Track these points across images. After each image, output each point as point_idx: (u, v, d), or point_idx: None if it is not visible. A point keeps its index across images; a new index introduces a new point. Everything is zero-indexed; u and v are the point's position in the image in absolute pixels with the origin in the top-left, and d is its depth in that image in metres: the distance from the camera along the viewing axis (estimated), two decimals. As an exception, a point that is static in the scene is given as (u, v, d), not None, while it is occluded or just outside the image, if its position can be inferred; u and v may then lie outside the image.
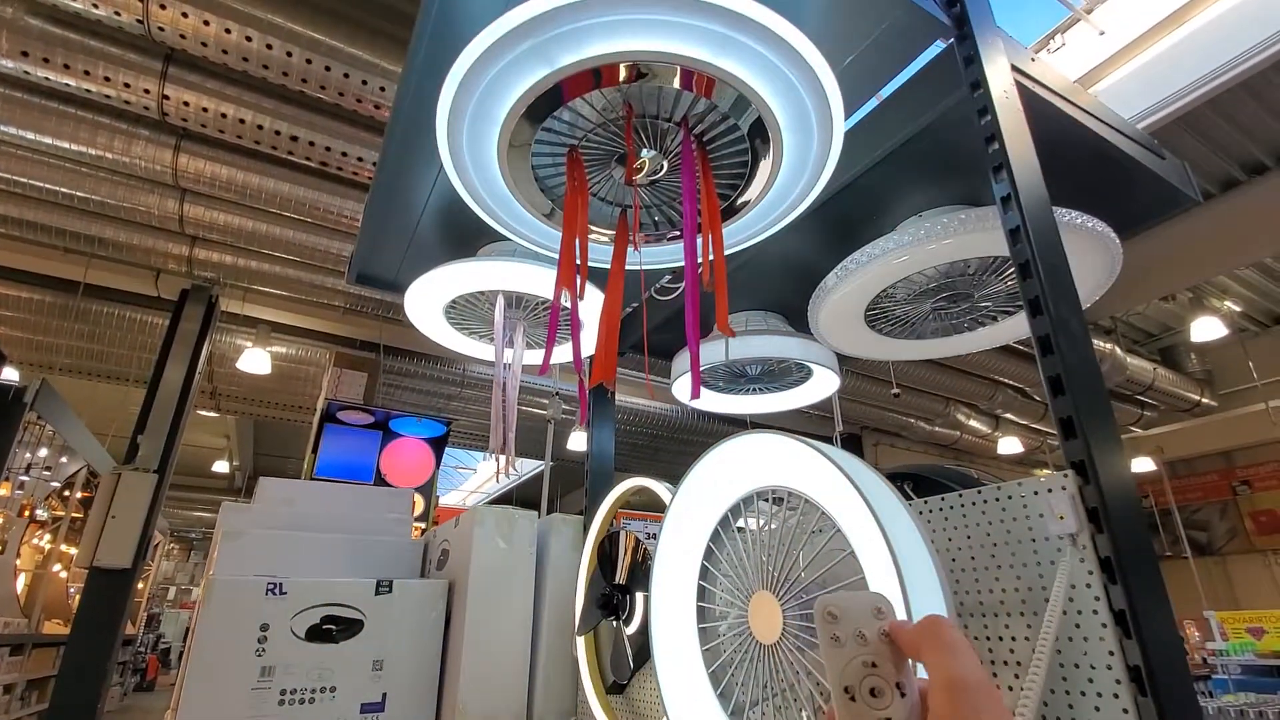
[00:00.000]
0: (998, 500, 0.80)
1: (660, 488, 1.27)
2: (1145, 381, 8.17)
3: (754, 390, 1.99)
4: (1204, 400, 8.95)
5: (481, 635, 1.33)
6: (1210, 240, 5.44)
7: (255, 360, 6.05)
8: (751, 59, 0.90)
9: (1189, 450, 10.68)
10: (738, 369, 1.83)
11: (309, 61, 3.52)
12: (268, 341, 6.21)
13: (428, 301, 1.57)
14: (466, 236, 1.51)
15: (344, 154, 4.14)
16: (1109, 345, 7.53)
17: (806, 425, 9.11)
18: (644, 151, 1.03)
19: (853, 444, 9.11)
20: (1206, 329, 7.51)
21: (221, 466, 11.91)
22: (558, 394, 6.70)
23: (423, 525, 5.51)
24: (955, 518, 0.84)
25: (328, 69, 3.57)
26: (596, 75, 0.92)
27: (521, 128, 0.97)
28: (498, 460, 1.48)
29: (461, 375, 7.17)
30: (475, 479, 13.20)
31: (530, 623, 1.41)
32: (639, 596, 1.23)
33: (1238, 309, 8.82)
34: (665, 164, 1.05)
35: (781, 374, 1.86)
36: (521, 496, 12.84)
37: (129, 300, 5.73)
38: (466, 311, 1.61)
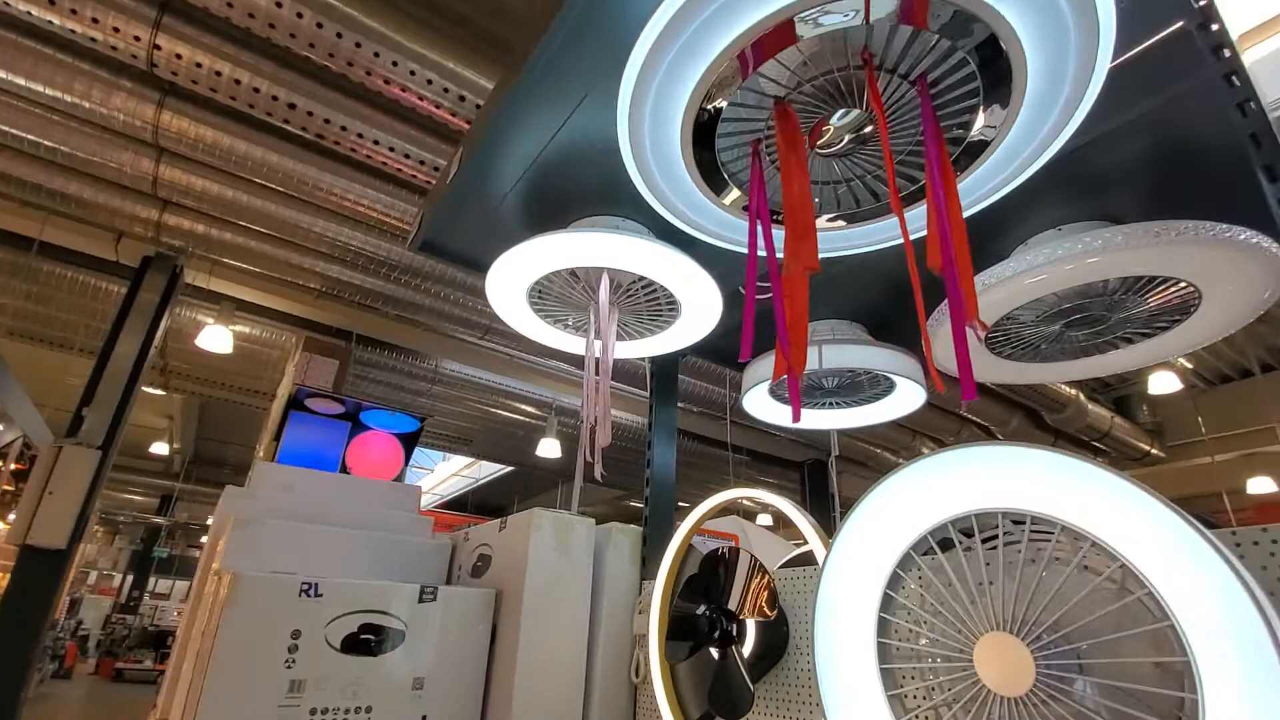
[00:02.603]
0: None
1: (786, 505, 1.14)
2: (1103, 429, 8.45)
3: (828, 404, 1.90)
4: (1153, 450, 9.31)
5: (536, 655, 1.18)
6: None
7: (216, 338, 5.72)
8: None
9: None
10: (815, 380, 1.74)
11: (320, 26, 3.34)
12: (231, 319, 5.88)
13: (515, 278, 1.38)
14: (554, 211, 1.37)
15: (343, 128, 3.96)
16: (1074, 391, 7.77)
17: (774, 447, 9.11)
18: (838, 115, 0.92)
19: (818, 470, 9.15)
20: (1163, 382, 7.88)
21: (160, 448, 11.27)
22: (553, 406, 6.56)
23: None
24: None
25: (339, 36, 3.40)
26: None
27: (725, 78, 0.84)
28: (589, 458, 1.33)
29: (434, 371, 6.94)
30: (431, 479, 12.80)
31: (586, 643, 1.27)
32: (750, 625, 1.11)
33: (1189, 366, 9.23)
34: (869, 127, 0.93)
35: (855, 388, 1.78)
36: (478, 501, 12.52)
37: (85, 263, 5.36)
38: (547, 294, 1.45)
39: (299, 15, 3.29)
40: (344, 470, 5.48)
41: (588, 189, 1.23)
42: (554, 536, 1.29)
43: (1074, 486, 0.64)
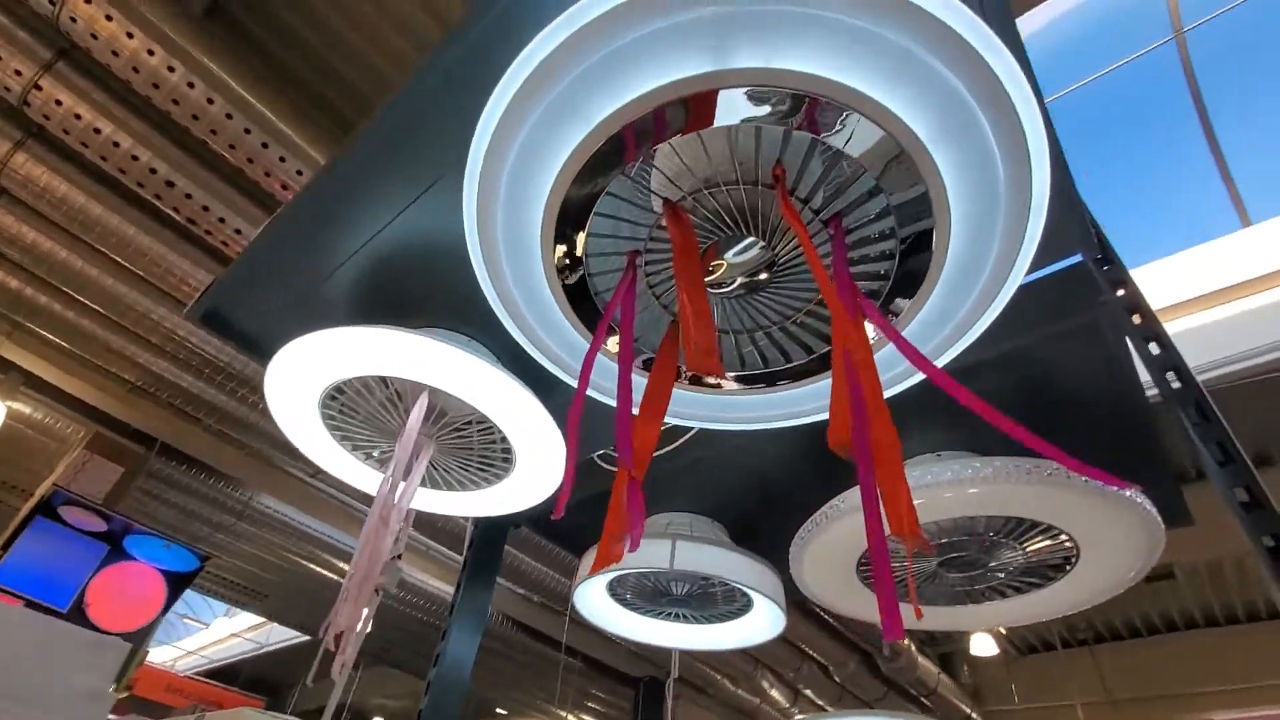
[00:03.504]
0: None
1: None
2: (930, 685, 8.50)
3: (674, 616, 1.64)
4: (974, 715, 9.40)
5: None
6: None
7: (-20, 413, 4.74)
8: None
9: (956, 765, 10.96)
10: (662, 584, 1.49)
11: (229, 117, 3.23)
12: (13, 395, 4.95)
13: (305, 375, 1.11)
14: (392, 314, 1.16)
15: (221, 220, 3.71)
16: (906, 641, 7.88)
17: (612, 656, 8.39)
18: (734, 249, 0.80)
19: (655, 691, 8.47)
20: (983, 644, 8.22)
21: None
22: (398, 558, 5.75)
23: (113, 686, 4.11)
24: None
25: (247, 131, 3.29)
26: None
27: (595, 164, 0.73)
28: (330, 643, 0.97)
29: (244, 503, 6.00)
30: (203, 636, 10.60)
31: None
32: None
33: (1003, 631, 9.74)
34: (771, 269, 0.82)
35: (707, 600, 1.55)
36: (256, 674, 10.40)
37: None
38: (352, 411, 1.18)
39: (209, 101, 3.18)
40: (80, 604, 4.38)
41: (436, 295, 1.06)
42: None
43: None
